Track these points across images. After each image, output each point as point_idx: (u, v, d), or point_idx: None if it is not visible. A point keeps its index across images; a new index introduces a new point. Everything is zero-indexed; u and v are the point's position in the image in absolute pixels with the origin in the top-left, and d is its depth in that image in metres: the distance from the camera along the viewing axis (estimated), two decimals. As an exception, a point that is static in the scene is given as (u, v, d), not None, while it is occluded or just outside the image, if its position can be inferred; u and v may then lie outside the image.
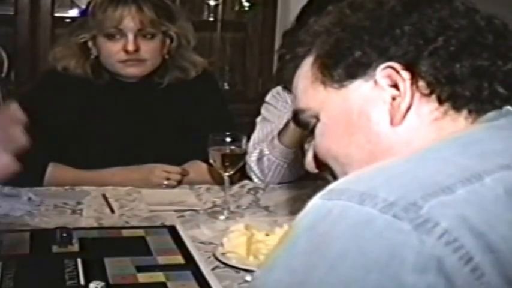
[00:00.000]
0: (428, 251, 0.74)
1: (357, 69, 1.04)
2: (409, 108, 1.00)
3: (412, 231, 0.75)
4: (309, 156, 1.18)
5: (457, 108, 1.00)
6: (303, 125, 1.16)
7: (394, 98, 1.01)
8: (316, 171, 1.19)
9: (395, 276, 0.74)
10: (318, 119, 1.11)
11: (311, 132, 1.14)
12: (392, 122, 1.01)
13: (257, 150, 2.40)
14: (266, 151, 2.37)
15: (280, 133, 2.35)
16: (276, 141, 2.35)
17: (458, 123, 0.99)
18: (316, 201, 0.83)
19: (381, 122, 1.02)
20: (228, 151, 2.08)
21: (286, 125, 2.32)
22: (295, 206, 2.18)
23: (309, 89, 1.11)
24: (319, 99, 1.10)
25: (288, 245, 0.82)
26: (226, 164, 2.08)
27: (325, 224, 0.79)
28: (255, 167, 2.40)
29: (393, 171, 0.86)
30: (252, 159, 2.39)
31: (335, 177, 1.11)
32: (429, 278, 0.73)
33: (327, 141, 1.10)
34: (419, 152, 0.90)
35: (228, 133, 2.11)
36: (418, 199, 0.78)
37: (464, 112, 1.00)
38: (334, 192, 0.83)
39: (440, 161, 0.86)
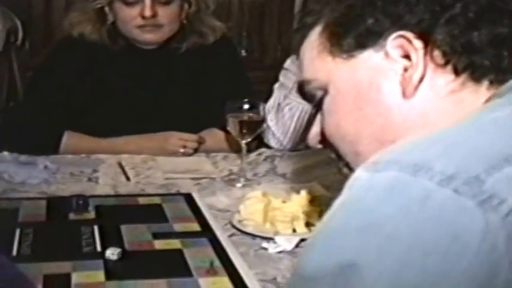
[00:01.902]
0: (494, 231, 0.67)
1: (368, 38, 0.99)
2: (421, 80, 0.95)
3: (476, 209, 0.68)
4: (314, 131, 1.12)
5: (476, 79, 0.94)
6: (308, 97, 1.10)
7: (405, 69, 0.96)
8: (319, 146, 1.14)
9: (457, 259, 0.67)
10: (325, 91, 1.05)
11: (317, 105, 1.09)
12: (404, 95, 0.96)
13: (274, 108, 2.38)
14: (286, 101, 2.35)
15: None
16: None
17: (479, 94, 0.94)
18: (360, 174, 0.76)
19: (392, 95, 0.97)
20: (245, 118, 2.07)
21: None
22: (312, 174, 2.17)
23: (316, 59, 1.06)
24: (326, 70, 1.04)
25: (331, 223, 0.75)
26: (244, 131, 2.06)
27: (373, 200, 0.72)
28: (273, 126, 2.38)
29: (448, 140, 0.78)
30: (270, 117, 2.36)
31: (339, 157, 1.07)
32: (494, 260, 0.67)
33: (335, 116, 1.05)
34: (472, 120, 0.83)
35: (245, 100, 2.09)
36: (481, 172, 0.70)
37: (485, 83, 0.94)
38: (382, 164, 0.75)
39: (498, 128, 0.78)
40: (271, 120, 2.37)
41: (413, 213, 0.70)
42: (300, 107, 2.34)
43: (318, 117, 1.10)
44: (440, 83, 0.95)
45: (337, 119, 1.04)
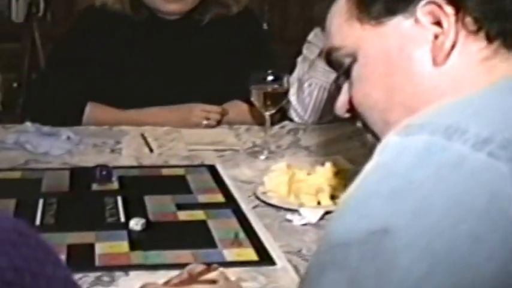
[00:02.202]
0: None
1: (397, 4, 0.95)
2: (453, 47, 0.91)
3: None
4: (342, 99, 1.07)
5: (509, 46, 0.91)
6: (336, 65, 1.07)
7: (436, 37, 0.92)
8: (347, 115, 1.11)
9: (492, 225, 0.65)
10: (353, 58, 1.02)
11: (345, 73, 1.05)
12: (435, 62, 0.92)
13: (296, 84, 2.36)
14: (306, 78, 2.32)
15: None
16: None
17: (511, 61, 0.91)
18: (390, 139, 0.74)
19: (423, 62, 0.94)
20: (269, 90, 2.04)
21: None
22: (336, 147, 2.15)
23: (344, 25, 1.03)
24: (355, 37, 1.01)
25: (361, 188, 0.73)
26: (268, 103, 2.04)
27: (405, 164, 0.70)
28: (294, 101, 2.36)
29: (481, 103, 0.76)
30: (291, 92, 2.34)
31: (366, 127, 1.05)
32: None
33: (364, 84, 1.01)
34: (505, 84, 0.81)
35: (270, 71, 2.06)
36: None
37: None
38: (413, 127, 0.73)
39: None
40: (292, 95, 2.35)
41: (446, 178, 0.68)
42: (319, 84, 2.31)
43: (345, 86, 1.07)
44: (472, 50, 0.92)
45: (366, 87, 1.01)
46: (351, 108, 1.06)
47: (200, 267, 1.19)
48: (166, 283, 1.18)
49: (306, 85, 2.34)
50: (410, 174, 0.70)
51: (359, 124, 1.07)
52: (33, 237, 0.61)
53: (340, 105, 1.08)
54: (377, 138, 1.01)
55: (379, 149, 0.75)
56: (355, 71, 1.03)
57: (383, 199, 0.70)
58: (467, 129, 0.70)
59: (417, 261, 0.66)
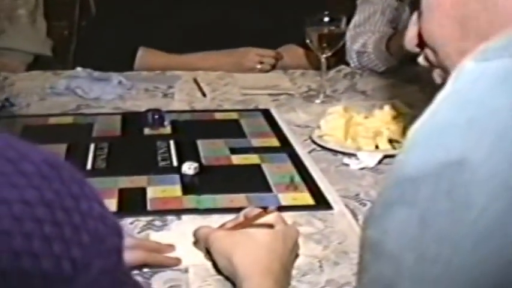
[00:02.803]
0: None
1: None
2: None
3: None
4: (412, 32, 1.02)
5: None
6: None
7: None
8: (416, 50, 1.05)
9: None
10: None
11: (414, 2, 1.00)
12: None
13: (361, 41, 2.27)
14: (370, 48, 2.24)
15: (390, 39, 2.20)
16: (382, 47, 2.21)
17: None
18: (466, 64, 0.67)
19: None
20: (325, 31, 1.97)
21: (397, 31, 2.19)
22: (394, 91, 2.08)
23: None
24: None
25: (434, 118, 0.66)
26: (324, 45, 1.97)
27: (483, 91, 0.64)
28: (355, 58, 2.29)
29: None
30: (354, 48, 2.27)
31: (431, 64, 0.98)
32: None
33: (436, 13, 0.94)
34: None
35: (326, 12, 1.99)
36: None
37: None
38: (491, 51, 0.67)
39: None
40: (348, 40, 2.27)
41: None
42: (373, 37, 2.23)
43: (414, 17, 1.01)
44: None
45: (438, 17, 0.95)
46: (421, 41, 1.00)
47: (256, 211, 1.15)
48: (220, 227, 1.15)
49: (365, 56, 2.26)
50: (489, 102, 0.63)
51: (420, 59, 1.01)
52: (67, 170, 0.55)
53: (409, 38, 1.03)
54: (447, 74, 0.94)
55: (453, 76, 0.67)
56: (426, 0, 0.96)
57: (459, 129, 0.63)
58: None
59: (494, 199, 0.60)
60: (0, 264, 0.49)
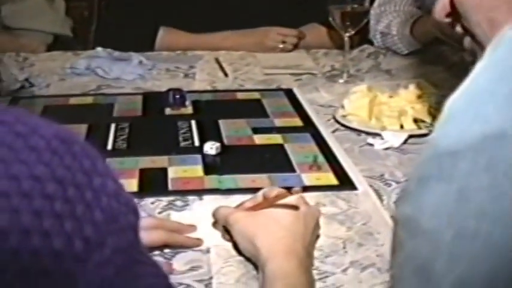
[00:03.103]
0: None
1: None
2: None
3: None
4: (442, 1, 1.01)
5: None
6: None
7: None
8: (446, 20, 1.02)
9: None
10: None
11: None
12: None
13: (385, 21, 2.23)
14: (394, 30, 2.20)
15: (414, 23, 2.16)
16: (406, 31, 2.17)
17: None
18: (507, 33, 0.64)
19: None
20: (349, 9, 1.94)
21: (421, 16, 2.15)
22: (419, 70, 2.05)
23: None
24: None
25: (472, 89, 0.62)
26: (347, 23, 1.93)
27: None
28: (379, 38, 2.25)
29: None
30: (378, 28, 2.23)
31: (467, 31, 0.96)
32: None
33: None
34: None
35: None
36: None
37: None
38: None
39: None
40: (372, 18, 2.24)
41: None
42: (398, 19, 2.19)
43: None
44: None
45: None
46: (453, 9, 0.98)
47: (276, 191, 1.12)
48: (238, 206, 1.12)
49: (389, 38, 2.21)
50: None
51: (458, 29, 0.98)
52: (79, 144, 0.53)
53: (440, 8, 1.00)
54: (478, 44, 0.92)
55: (493, 45, 0.64)
56: None
57: (500, 100, 0.59)
58: None
59: None
60: (10, 242, 0.47)
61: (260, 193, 1.13)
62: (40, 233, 0.48)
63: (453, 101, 0.62)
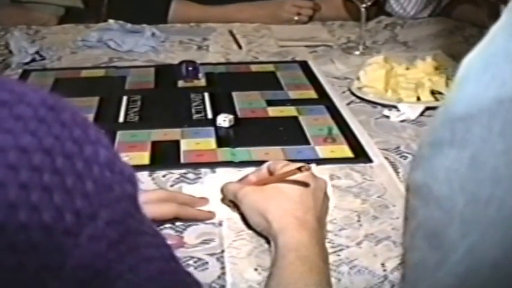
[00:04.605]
0: None
1: None
2: None
3: None
4: None
5: None
6: None
7: None
8: None
9: None
10: None
11: None
12: None
13: None
14: None
15: None
16: None
17: None
18: None
19: None
20: (365, -21, 1.90)
21: None
22: (436, 42, 2.01)
23: None
24: None
25: (489, 50, 0.58)
26: (363, -7, 1.90)
27: None
28: (394, 5, 2.22)
29: None
30: None
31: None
32: None
33: None
34: None
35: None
36: None
37: None
38: None
39: None
40: None
41: None
42: None
43: None
44: None
45: None
46: None
47: (281, 164, 1.08)
48: (241, 179, 1.10)
49: None
50: None
51: None
52: (68, 112, 0.50)
53: None
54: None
55: (510, 5, 0.61)
56: None
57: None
58: None
59: None
60: None
61: (264, 166, 1.10)
62: (28, 207, 0.45)
63: (468, 62, 0.59)
